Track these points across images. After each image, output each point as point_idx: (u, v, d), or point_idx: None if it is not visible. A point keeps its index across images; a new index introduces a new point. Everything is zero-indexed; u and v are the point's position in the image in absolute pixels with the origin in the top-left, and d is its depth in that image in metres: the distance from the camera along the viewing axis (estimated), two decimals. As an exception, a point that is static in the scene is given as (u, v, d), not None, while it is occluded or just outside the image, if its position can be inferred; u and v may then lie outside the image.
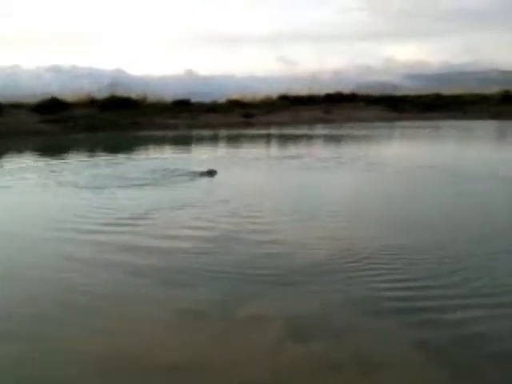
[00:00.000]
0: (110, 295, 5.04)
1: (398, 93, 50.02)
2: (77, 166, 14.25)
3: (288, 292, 5.05)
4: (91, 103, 32.26)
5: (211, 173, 12.50)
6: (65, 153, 17.84)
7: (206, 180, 11.82)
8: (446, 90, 49.42)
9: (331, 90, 46.32)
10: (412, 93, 49.88)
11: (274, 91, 43.95)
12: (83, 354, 3.92)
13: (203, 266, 5.72)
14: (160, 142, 23.55)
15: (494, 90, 47.33)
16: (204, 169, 12.71)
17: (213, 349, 3.98)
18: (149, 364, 3.77)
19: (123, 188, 10.68)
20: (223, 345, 4.04)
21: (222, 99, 39.41)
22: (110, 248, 6.45)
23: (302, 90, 46.62)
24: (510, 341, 4.11)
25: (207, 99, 39.05)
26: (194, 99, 37.57)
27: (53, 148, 20.51)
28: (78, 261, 5.98)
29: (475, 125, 33.02)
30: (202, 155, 17.28)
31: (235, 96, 40.05)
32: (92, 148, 19.91)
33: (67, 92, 33.73)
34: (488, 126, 32.29)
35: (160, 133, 26.77)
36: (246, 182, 11.84)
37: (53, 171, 13.21)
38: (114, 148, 20.27)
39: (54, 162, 15.19)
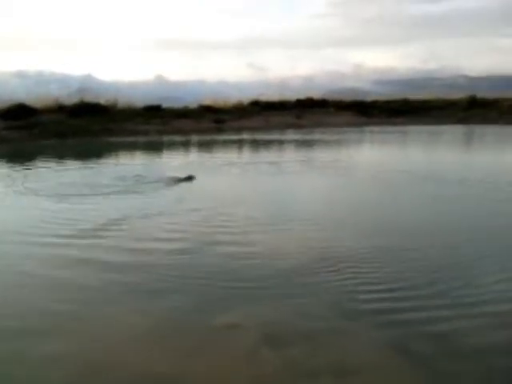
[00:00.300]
0: (74, 310, 4.86)
1: (368, 98, 50.47)
2: (42, 174, 13.83)
3: (263, 300, 5.00)
4: (59, 109, 31.59)
5: (190, 178, 12.42)
6: (31, 160, 17.36)
7: (180, 186, 11.65)
8: (413, 96, 50.10)
9: (302, 96, 46.49)
10: (381, 98, 50.45)
11: (245, 97, 43.92)
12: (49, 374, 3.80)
13: (175, 278, 5.61)
14: (131, 148, 23.18)
15: (460, 95, 48.28)
16: (181, 174, 12.57)
17: (188, 359, 3.90)
18: (120, 377, 3.67)
19: (91, 196, 10.35)
20: (198, 355, 3.97)
21: (193, 105, 39.12)
22: (67, 261, 6.22)
23: (272, 95, 46.66)
24: (480, 338, 4.16)
25: (178, 105, 38.71)
26: (164, 105, 37.20)
27: (19, 155, 19.97)
28: (33, 276, 5.76)
29: (443, 129, 33.65)
30: (174, 161, 17.06)
31: (207, 101, 39.84)
32: (60, 154, 19.43)
33: (34, 98, 32.96)
34: (455, 131, 32.95)
35: (131, 139, 26.40)
36: (222, 188, 11.74)
37: (17, 179, 12.77)
38: (83, 154, 19.87)
39: (18, 169, 14.73)
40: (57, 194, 10.57)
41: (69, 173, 14.03)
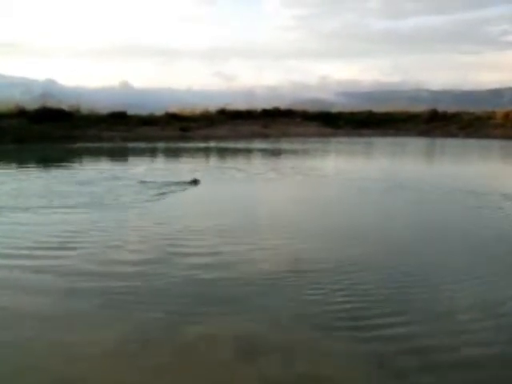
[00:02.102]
0: (39, 325, 4.60)
1: (333, 110, 51.08)
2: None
3: (236, 312, 4.88)
4: (20, 114, 30.63)
5: (195, 182, 12.46)
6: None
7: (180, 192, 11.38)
8: (377, 108, 51.00)
9: (268, 106, 46.66)
10: (346, 110, 51.14)
11: (211, 105, 43.69)
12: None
13: (145, 290, 5.41)
14: (95, 154, 22.62)
15: (422, 108, 49.48)
16: (186, 178, 12.62)
17: (161, 373, 3.75)
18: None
19: (49, 208, 9.39)
20: (170, 368, 3.82)
21: (158, 112, 38.67)
22: (29, 274, 5.89)
23: (239, 104, 46.62)
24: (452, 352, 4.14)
25: (143, 112, 38.16)
26: (129, 112, 36.58)
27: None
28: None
29: (407, 141, 34.35)
30: (150, 168, 16.62)
31: (172, 109, 39.47)
32: (20, 160, 18.73)
33: (-6, 102, 31.89)
34: (419, 143, 33.69)
35: (95, 145, 25.82)
36: (194, 197, 11.48)
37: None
38: (44, 160, 19.16)
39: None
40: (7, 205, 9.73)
41: (25, 180, 13.18)
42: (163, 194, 11.13)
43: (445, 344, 4.26)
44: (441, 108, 48.74)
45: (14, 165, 16.90)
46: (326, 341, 4.29)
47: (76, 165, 17.91)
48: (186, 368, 3.82)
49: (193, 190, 11.90)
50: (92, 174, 14.15)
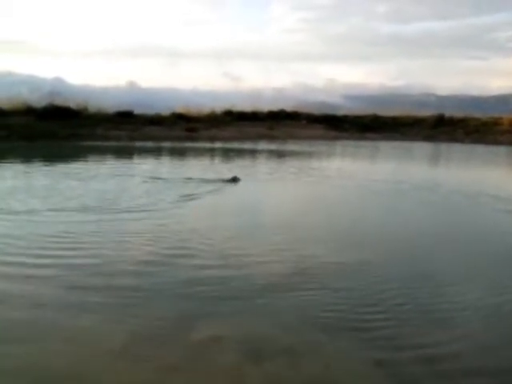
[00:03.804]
0: (48, 322, 4.61)
1: (338, 112, 50.95)
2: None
3: (241, 313, 4.90)
4: (28, 111, 30.77)
5: (234, 180, 12.30)
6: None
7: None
8: (383, 112, 50.78)
9: (273, 107, 46.64)
10: (351, 113, 51.00)
11: (217, 106, 43.70)
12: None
13: (151, 290, 5.40)
14: (102, 152, 22.58)
15: (428, 113, 49.31)
16: (225, 176, 12.59)
17: (167, 374, 3.77)
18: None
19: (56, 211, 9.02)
20: (177, 369, 3.83)
21: (165, 112, 38.72)
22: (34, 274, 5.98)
23: (245, 105, 46.58)
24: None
25: (150, 112, 38.24)
26: (136, 111, 36.69)
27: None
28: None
29: (412, 146, 34.24)
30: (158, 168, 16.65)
31: (179, 109, 39.53)
32: (25, 157, 18.73)
33: (3, 99, 32.07)
34: (424, 148, 33.59)
35: (103, 144, 25.83)
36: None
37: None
38: (50, 157, 19.13)
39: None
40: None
41: (26, 177, 13.14)
42: (209, 191, 11.05)
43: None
44: (447, 113, 48.52)
45: (20, 162, 16.94)
46: (332, 344, 4.30)
47: (83, 164, 17.94)
48: (192, 370, 3.83)
49: (236, 189, 11.88)
50: (134, 172, 14.38)
